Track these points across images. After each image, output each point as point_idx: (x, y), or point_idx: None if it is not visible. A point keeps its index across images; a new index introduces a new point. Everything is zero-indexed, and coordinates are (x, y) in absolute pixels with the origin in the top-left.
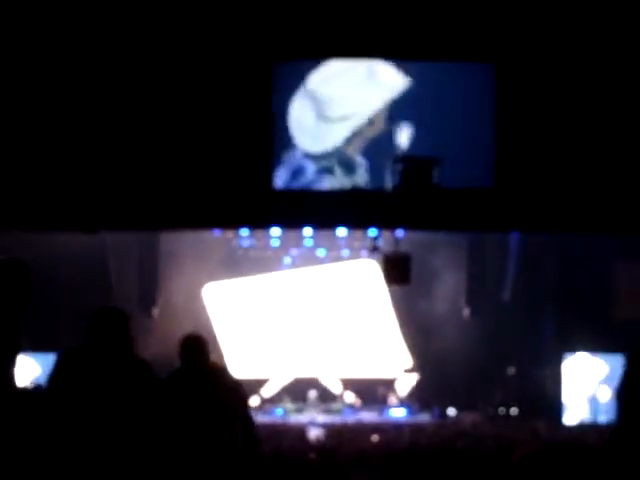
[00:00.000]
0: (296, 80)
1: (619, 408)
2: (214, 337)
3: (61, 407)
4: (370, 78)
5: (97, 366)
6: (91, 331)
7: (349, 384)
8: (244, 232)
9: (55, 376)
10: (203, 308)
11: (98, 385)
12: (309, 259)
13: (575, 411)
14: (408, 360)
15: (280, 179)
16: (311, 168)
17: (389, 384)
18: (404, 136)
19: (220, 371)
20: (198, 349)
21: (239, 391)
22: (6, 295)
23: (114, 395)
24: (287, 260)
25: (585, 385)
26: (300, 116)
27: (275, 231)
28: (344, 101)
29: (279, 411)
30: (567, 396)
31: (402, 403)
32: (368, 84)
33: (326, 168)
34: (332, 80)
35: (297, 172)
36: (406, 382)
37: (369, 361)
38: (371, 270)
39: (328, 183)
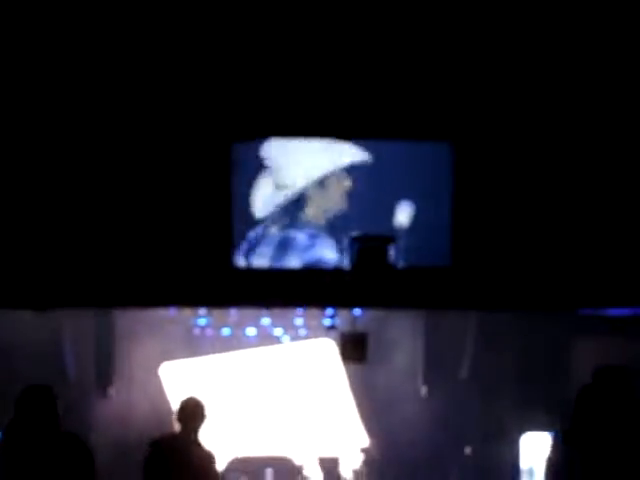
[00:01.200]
0: (255, 159)
1: None
2: (172, 417)
3: None
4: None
5: (26, 443)
6: (19, 408)
7: (306, 463)
8: (201, 311)
9: None
10: (161, 387)
11: (28, 462)
12: (266, 338)
13: None
14: (364, 439)
15: (264, 257)
16: (301, 236)
17: (344, 463)
18: (403, 215)
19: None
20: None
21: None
22: None
23: (46, 471)
24: (244, 339)
25: (543, 465)
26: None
27: (232, 310)
28: (295, 166)
29: None
30: (525, 477)
31: None
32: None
33: (314, 235)
34: (287, 147)
35: (285, 244)
36: (362, 461)
37: (325, 440)
38: (328, 349)
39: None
